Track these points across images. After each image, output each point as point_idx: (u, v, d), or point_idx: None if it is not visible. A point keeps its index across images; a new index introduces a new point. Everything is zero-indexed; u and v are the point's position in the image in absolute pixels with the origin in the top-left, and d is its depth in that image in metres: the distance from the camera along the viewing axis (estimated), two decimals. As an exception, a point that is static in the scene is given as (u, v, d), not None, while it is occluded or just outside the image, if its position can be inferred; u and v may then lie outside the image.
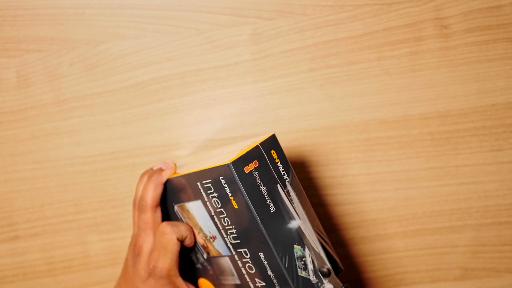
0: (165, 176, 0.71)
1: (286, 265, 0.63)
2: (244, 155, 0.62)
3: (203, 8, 0.81)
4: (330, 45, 0.82)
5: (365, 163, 0.83)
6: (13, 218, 0.84)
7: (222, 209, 0.65)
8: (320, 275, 0.64)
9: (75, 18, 0.82)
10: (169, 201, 0.72)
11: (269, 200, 0.63)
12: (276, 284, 0.64)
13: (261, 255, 0.63)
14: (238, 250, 0.66)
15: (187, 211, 0.70)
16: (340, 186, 0.84)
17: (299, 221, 0.64)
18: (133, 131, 0.83)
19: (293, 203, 0.64)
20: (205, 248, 0.70)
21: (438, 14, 0.81)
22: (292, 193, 0.64)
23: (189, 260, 0.75)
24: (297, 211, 0.64)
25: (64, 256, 0.84)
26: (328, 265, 0.63)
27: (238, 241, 0.65)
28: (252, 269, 0.65)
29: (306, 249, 0.64)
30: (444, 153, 0.83)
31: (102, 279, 0.85)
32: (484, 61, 0.82)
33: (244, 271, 0.66)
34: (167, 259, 0.68)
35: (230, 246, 0.67)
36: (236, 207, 0.63)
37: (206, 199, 0.66)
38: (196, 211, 0.68)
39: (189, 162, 0.73)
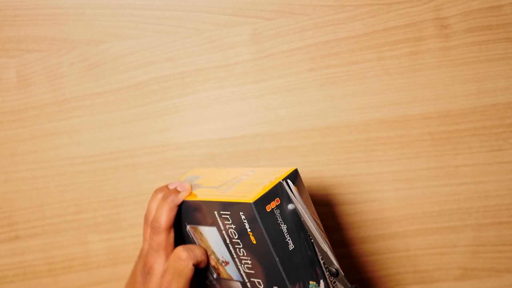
0: (180, 198, 0.70)
1: None
2: (266, 193, 0.61)
3: (203, 8, 0.81)
4: (330, 45, 0.82)
5: (365, 163, 0.83)
6: (13, 218, 0.84)
7: (238, 241, 0.64)
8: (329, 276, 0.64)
9: (75, 18, 0.82)
10: (182, 219, 0.72)
11: (288, 238, 0.62)
12: None
13: None
14: (252, 280, 0.66)
15: (200, 233, 0.69)
16: (340, 186, 0.84)
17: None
18: (133, 131, 0.83)
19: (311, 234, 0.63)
20: (216, 269, 0.70)
21: (438, 14, 0.81)
22: (310, 224, 0.63)
23: (198, 275, 0.75)
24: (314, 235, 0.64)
25: (64, 256, 0.84)
26: (336, 265, 0.63)
27: (253, 272, 0.65)
28: None
29: (322, 283, 0.63)
30: (444, 153, 0.83)
31: (102, 279, 0.85)
32: (484, 61, 0.82)
33: None
34: (180, 284, 0.67)
35: (243, 274, 0.66)
36: (254, 242, 0.62)
37: (222, 228, 0.65)
38: (210, 236, 0.68)
39: (206, 182, 0.72)
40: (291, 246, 0.62)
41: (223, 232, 0.65)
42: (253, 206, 0.60)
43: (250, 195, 0.62)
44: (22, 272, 0.85)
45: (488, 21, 0.81)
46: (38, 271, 0.85)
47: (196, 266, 0.69)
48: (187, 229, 0.71)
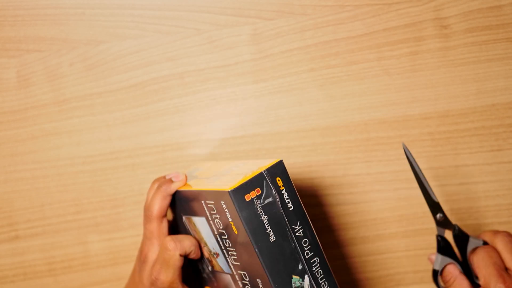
0: (173, 187, 0.70)
1: None
2: (245, 182, 0.61)
3: (203, 8, 0.81)
4: (330, 45, 0.82)
5: (365, 163, 0.83)
6: (13, 218, 0.84)
7: (223, 231, 0.64)
8: None
9: (75, 18, 0.82)
10: (178, 210, 0.72)
11: (269, 229, 0.61)
12: None
13: (259, 281, 0.63)
14: (239, 272, 0.65)
15: (194, 224, 0.70)
16: (340, 186, 0.84)
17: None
18: (133, 131, 0.83)
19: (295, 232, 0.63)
20: (210, 262, 0.70)
21: (438, 14, 0.81)
22: (296, 222, 0.63)
23: (196, 267, 0.75)
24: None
25: (64, 256, 0.84)
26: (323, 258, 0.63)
27: (239, 263, 0.65)
28: None
29: (306, 278, 0.63)
30: (444, 153, 0.83)
31: (102, 279, 0.85)
32: (484, 61, 0.82)
33: None
34: (169, 273, 0.68)
35: (231, 266, 0.66)
36: (236, 232, 0.62)
37: (210, 218, 0.65)
38: (202, 227, 0.68)
39: (202, 173, 0.72)
40: (272, 238, 0.61)
41: (211, 222, 0.65)
42: (231, 194, 0.60)
43: (230, 184, 0.62)
44: (22, 272, 0.85)
45: (488, 21, 0.81)
46: (38, 271, 0.85)
47: (187, 257, 0.69)
48: (183, 220, 0.71)
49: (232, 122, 0.83)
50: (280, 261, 0.62)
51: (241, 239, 0.62)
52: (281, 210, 0.62)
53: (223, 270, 0.68)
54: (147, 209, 0.70)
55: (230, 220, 0.62)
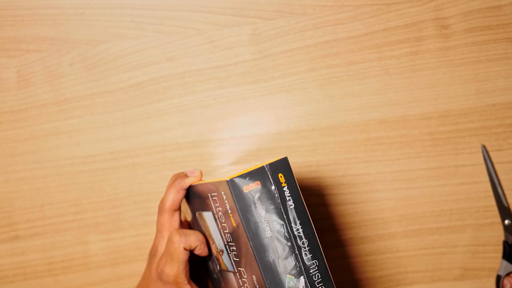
0: (187, 182, 0.70)
1: None
2: (245, 174, 0.61)
3: (203, 8, 0.81)
4: (330, 45, 0.82)
5: (365, 163, 0.83)
6: (13, 218, 0.84)
7: (225, 224, 0.64)
8: None
9: (75, 18, 0.82)
10: (192, 207, 0.72)
11: (265, 224, 0.61)
12: None
13: (254, 278, 0.62)
14: (238, 269, 0.65)
15: (204, 220, 0.69)
16: (340, 186, 0.84)
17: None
18: (133, 131, 0.83)
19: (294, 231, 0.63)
20: (218, 260, 0.70)
21: (438, 14, 0.81)
22: (296, 221, 0.63)
23: (208, 269, 0.74)
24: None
25: (64, 256, 0.84)
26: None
27: (238, 259, 0.64)
28: None
29: (301, 279, 0.62)
30: (444, 153, 0.83)
31: (102, 279, 0.85)
32: (484, 61, 0.82)
33: None
34: (174, 267, 0.68)
35: (233, 263, 0.66)
36: (234, 225, 0.62)
37: (215, 211, 0.65)
38: (210, 222, 0.68)
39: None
40: (268, 233, 0.61)
41: (216, 216, 0.65)
42: (229, 183, 0.60)
43: (230, 175, 0.62)
44: (22, 272, 0.85)
45: (488, 21, 0.81)
46: (38, 271, 0.85)
47: (192, 252, 0.69)
48: (196, 217, 0.71)
49: (232, 122, 0.83)
50: (274, 258, 0.61)
51: (238, 232, 0.62)
52: (280, 207, 0.61)
53: (227, 269, 0.68)
54: (160, 202, 0.71)
55: (229, 212, 0.62)
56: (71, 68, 0.82)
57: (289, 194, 0.62)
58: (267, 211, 0.61)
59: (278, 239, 0.61)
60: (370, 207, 0.84)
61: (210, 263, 0.73)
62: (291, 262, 0.62)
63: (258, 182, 0.61)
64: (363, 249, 0.85)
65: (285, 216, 0.61)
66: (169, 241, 0.68)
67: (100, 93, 0.83)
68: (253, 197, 0.61)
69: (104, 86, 0.83)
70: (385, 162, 0.83)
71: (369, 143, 0.83)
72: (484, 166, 0.82)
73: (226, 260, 0.67)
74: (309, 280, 0.62)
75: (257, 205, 0.61)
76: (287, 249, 0.61)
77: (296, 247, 0.62)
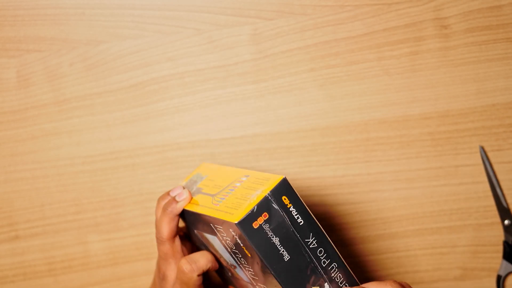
0: (179, 208, 0.69)
1: None
2: (251, 211, 0.60)
3: (203, 8, 0.81)
4: (330, 45, 0.82)
5: (365, 163, 0.83)
6: (13, 218, 0.84)
7: (236, 251, 0.64)
8: None
9: (75, 18, 0.82)
10: (189, 223, 0.71)
11: (282, 250, 0.61)
12: None
13: None
14: (259, 284, 0.65)
15: (206, 238, 0.69)
16: (340, 186, 0.84)
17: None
18: (133, 131, 0.83)
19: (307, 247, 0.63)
20: (230, 270, 0.70)
21: (438, 14, 0.81)
22: (308, 234, 0.62)
23: (218, 271, 0.74)
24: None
25: (64, 256, 0.84)
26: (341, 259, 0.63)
27: (257, 278, 0.64)
28: None
29: (326, 286, 0.63)
30: (444, 153, 0.83)
31: (102, 279, 0.85)
32: (484, 61, 0.82)
33: None
34: None
35: (250, 279, 0.66)
36: (249, 255, 0.62)
37: (221, 238, 0.65)
38: (214, 243, 0.67)
39: (206, 185, 0.71)
40: (286, 257, 0.61)
41: (223, 241, 0.65)
42: (238, 226, 0.60)
43: (236, 213, 0.61)
44: (22, 272, 0.85)
45: (488, 21, 0.81)
46: (38, 271, 0.85)
47: (207, 271, 0.69)
48: (195, 233, 0.71)
49: (232, 122, 0.83)
50: (297, 277, 0.61)
51: (255, 261, 0.62)
52: (292, 228, 0.61)
53: (242, 279, 0.68)
54: (157, 232, 0.69)
55: (242, 245, 0.62)
56: (71, 68, 0.82)
57: (296, 213, 0.61)
58: (280, 237, 0.61)
59: (296, 259, 0.61)
60: (370, 207, 0.84)
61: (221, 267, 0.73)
62: (313, 274, 0.62)
63: (266, 213, 0.60)
64: (363, 249, 0.85)
65: (298, 235, 0.61)
66: (181, 272, 0.67)
67: (100, 93, 0.83)
68: (264, 229, 0.60)
69: (104, 86, 0.83)
70: (385, 162, 0.83)
71: (369, 143, 0.83)
72: (483, 167, 0.82)
73: (240, 273, 0.67)
74: (333, 285, 0.63)
75: (269, 235, 0.61)
76: (306, 264, 0.62)
77: (314, 259, 0.62)
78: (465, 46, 0.82)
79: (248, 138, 0.83)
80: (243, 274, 0.67)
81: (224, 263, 0.69)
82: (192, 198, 0.70)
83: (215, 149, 0.83)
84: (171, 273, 0.70)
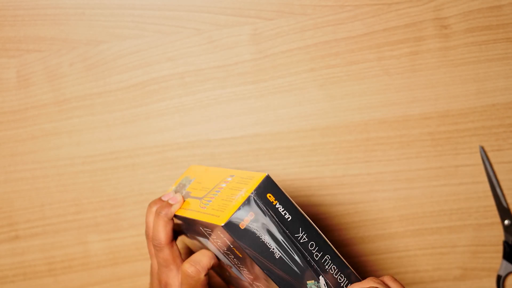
0: (173, 211, 0.68)
1: None
2: (236, 212, 0.60)
3: (203, 8, 0.82)
4: (330, 45, 0.82)
5: (365, 163, 0.83)
6: (13, 218, 0.84)
7: (229, 252, 0.64)
8: None
9: (75, 18, 0.82)
10: (182, 229, 0.71)
11: (272, 248, 0.61)
12: None
13: None
14: (255, 283, 0.65)
15: (200, 241, 0.69)
16: (340, 186, 0.84)
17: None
18: (133, 131, 0.83)
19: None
20: (227, 270, 0.70)
21: (438, 14, 0.81)
22: (298, 229, 0.62)
23: (219, 268, 0.74)
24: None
25: (64, 256, 0.84)
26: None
27: (252, 277, 0.64)
28: None
29: (321, 279, 0.63)
30: (444, 153, 0.83)
31: (102, 279, 0.85)
32: (484, 61, 0.82)
33: None
34: None
35: (246, 278, 0.66)
36: (241, 256, 0.62)
37: (213, 241, 0.65)
38: (208, 245, 0.67)
39: (194, 188, 0.70)
40: (277, 255, 0.61)
41: (215, 244, 0.65)
42: (224, 228, 0.59)
43: (222, 215, 0.60)
44: (22, 272, 0.85)
45: (488, 21, 0.81)
46: (38, 271, 0.85)
47: (211, 269, 0.68)
48: (188, 236, 0.71)
49: (232, 122, 0.83)
50: (291, 273, 0.61)
51: (246, 260, 0.62)
52: (280, 225, 0.61)
53: (240, 278, 0.68)
54: (154, 239, 0.68)
55: (232, 247, 0.62)
56: (71, 68, 0.82)
57: (283, 209, 0.61)
58: (269, 234, 0.61)
59: (288, 255, 0.61)
60: (370, 207, 0.84)
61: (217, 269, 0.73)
62: (306, 269, 0.62)
63: (252, 213, 0.60)
64: (363, 249, 0.85)
65: (287, 231, 0.61)
66: (186, 276, 0.66)
67: (100, 93, 0.83)
68: (252, 229, 0.60)
69: (104, 86, 0.83)
70: (385, 162, 0.83)
71: (369, 143, 0.83)
72: (483, 167, 0.82)
73: (236, 272, 0.67)
74: (328, 277, 0.62)
75: (258, 234, 0.60)
76: (298, 260, 0.62)
77: (306, 253, 0.62)
78: (465, 46, 0.82)
79: (248, 138, 0.83)
80: (239, 273, 0.67)
81: (221, 263, 0.69)
82: (184, 201, 0.70)
83: (215, 149, 0.83)
84: (174, 281, 0.69)
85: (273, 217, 0.61)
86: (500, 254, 0.84)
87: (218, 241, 0.63)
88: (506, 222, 0.78)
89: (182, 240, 0.79)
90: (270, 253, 0.61)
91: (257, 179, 0.62)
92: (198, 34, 0.82)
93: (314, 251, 0.62)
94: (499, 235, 0.84)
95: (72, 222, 0.84)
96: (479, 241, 0.84)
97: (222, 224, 0.59)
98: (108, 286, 0.85)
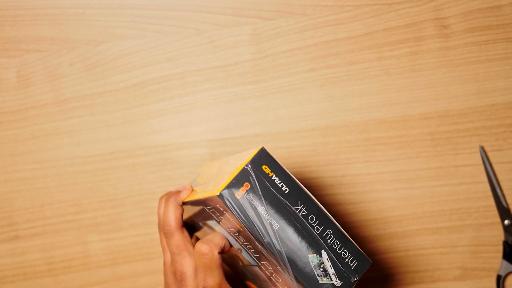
0: (182, 196, 0.69)
1: (305, 279, 0.61)
2: (231, 182, 0.60)
3: (203, 8, 0.82)
4: (330, 45, 0.82)
5: (365, 163, 0.83)
6: (13, 218, 0.84)
7: (233, 229, 0.64)
8: (346, 274, 0.62)
9: (75, 18, 0.82)
10: (193, 217, 0.72)
11: (270, 219, 0.61)
12: None
13: (279, 269, 0.62)
14: (262, 262, 0.65)
15: (210, 227, 0.69)
16: (340, 186, 0.84)
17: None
18: (133, 131, 0.83)
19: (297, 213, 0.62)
20: (238, 257, 0.70)
21: (438, 14, 0.81)
22: (296, 202, 0.62)
23: (231, 265, 0.74)
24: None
25: (64, 256, 0.84)
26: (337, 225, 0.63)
27: (258, 255, 0.64)
28: (278, 279, 0.64)
29: (323, 253, 0.62)
30: (444, 153, 0.83)
31: (102, 279, 0.85)
32: (484, 61, 0.82)
33: (274, 279, 0.65)
34: (215, 276, 0.66)
35: (254, 258, 0.66)
36: (241, 229, 0.62)
37: (218, 220, 0.65)
38: (217, 228, 0.68)
39: (203, 178, 0.71)
40: (275, 226, 0.61)
41: (221, 223, 0.65)
42: (220, 197, 0.60)
43: (217, 187, 0.61)
44: (22, 272, 0.85)
45: (488, 21, 0.81)
46: (38, 271, 0.85)
47: (222, 252, 0.68)
48: (200, 225, 0.71)
49: (232, 122, 0.83)
50: (291, 246, 0.61)
51: (247, 233, 0.62)
52: (278, 195, 0.61)
53: (250, 263, 0.68)
54: (164, 225, 0.69)
55: (232, 220, 0.62)
56: (71, 68, 0.82)
57: (279, 181, 0.61)
58: (266, 206, 0.61)
59: (287, 227, 0.61)
60: (370, 207, 0.84)
61: (232, 260, 0.73)
62: (307, 242, 0.61)
63: (247, 183, 0.61)
64: (363, 249, 0.85)
65: (285, 202, 0.61)
66: (200, 255, 0.66)
67: (100, 93, 0.83)
68: (248, 200, 0.60)
69: (104, 86, 0.83)
70: (385, 162, 0.83)
71: (369, 143, 0.83)
72: (483, 167, 0.82)
73: (246, 256, 0.67)
74: (331, 250, 0.62)
75: (254, 205, 0.60)
76: (298, 232, 0.61)
77: (306, 226, 0.61)
78: (465, 46, 0.82)
79: (248, 138, 0.83)
80: (248, 256, 0.66)
81: (234, 251, 0.69)
82: (192, 190, 0.71)
83: (215, 149, 0.83)
84: (188, 268, 0.68)
85: (270, 188, 0.61)
86: (500, 254, 0.84)
87: (221, 218, 0.63)
88: (506, 222, 0.78)
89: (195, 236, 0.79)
90: (268, 225, 0.61)
91: (253, 152, 0.62)
92: (198, 34, 0.82)
93: (314, 225, 0.62)
94: (499, 235, 0.84)
95: (72, 222, 0.84)
96: (479, 241, 0.84)
97: (217, 194, 0.60)
98: (108, 286, 0.85)
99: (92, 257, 0.84)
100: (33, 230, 0.84)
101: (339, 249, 0.62)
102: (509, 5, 0.81)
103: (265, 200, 0.61)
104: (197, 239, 0.76)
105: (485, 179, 0.83)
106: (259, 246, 0.62)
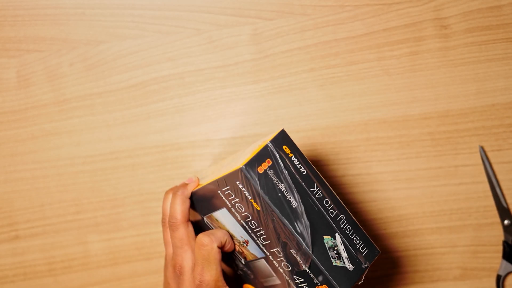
0: (189, 189, 0.70)
1: (319, 258, 0.62)
2: (254, 156, 0.61)
3: (203, 8, 0.82)
4: (330, 45, 0.82)
5: (365, 163, 0.83)
6: (13, 218, 0.84)
7: (246, 213, 0.64)
8: (357, 259, 0.63)
9: (75, 18, 0.82)
10: (198, 213, 0.72)
11: (289, 196, 0.62)
12: (314, 278, 0.63)
13: (293, 251, 0.63)
14: (271, 251, 0.65)
15: (216, 220, 0.69)
16: (340, 186, 0.84)
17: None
18: (133, 131, 0.83)
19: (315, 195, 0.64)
20: (241, 253, 0.70)
21: (438, 14, 0.81)
22: (314, 184, 0.63)
23: (230, 268, 0.74)
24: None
25: (64, 256, 0.84)
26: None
27: (269, 241, 0.65)
28: (288, 267, 0.65)
29: (337, 237, 0.63)
30: (444, 153, 0.83)
31: (102, 279, 0.85)
32: (484, 61, 0.82)
33: (281, 270, 0.66)
34: (212, 271, 0.66)
35: (263, 248, 0.66)
36: (259, 208, 0.62)
37: (230, 206, 0.65)
38: (224, 219, 0.68)
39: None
40: (294, 204, 0.62)
41: (232, 210, 0.65)
42: (243, 170, 0.61)
43: (240, 162, 0.62)
44: (22, 272, 0.85)
45: (488, 21, 0.81)
46: (38, 271, 0.85)
47: (223, 249, 0.68)
48: (205, 222, 0.71)
49: (232, 122, 0.83)
50: (308, 225, 0.62)
51: (265, 213, 0.62)
52: (296, 176, 0.63)
53: (256, 257, 0.68)
54: (170, 217, 0.69)
55: (250, 198, 0.62)
56: (71, 68, 0.82)
57: (298, 162, 0.63)
58: (287, 183, 0.62)
59: (305, 207, 0.62)
60: (370, 207, 0.84)
61: (231, 262, 0.73)
62: (322, 223, 0.63)
63: (269, 159, 0.62)
64: (363, 249, 0.85)
65: (303, 183, 0.63)
66: (200, 246, 0.66)
67: (100, 93, 0.83)
68: (269, 175, 0.62)
69: (104, 86, 0.83)
70: (385, 162, 0.83)
71: (369, 143, 0.83)
72: (483, 167, 0.82)
73: (253, 249, 0.67)
74: (344, 235, 0.63)
75: (275, 181, 0.62)
76: (315, 213, 0.63)
77: (322, 209, 0.63)
78: (465, 46, 0.82)
79: (248, 138, 0.83)
80: (256, 247, 0.67)
81: (237, 247, 0.69)
82: (199, 184, 0.71)
83: (215, 149, 0.83)
84: (188, 262, 0.68)
85: (290, 167, 0.63)
86: (500, 254, 0.84)
87: (236, 200, 0.64)
88: (506, 222, 0.79)
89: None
90: (287, 202, 0.62)
91: (274, 133, 0.64)
92: (198, 34, 0.82)
93: (329, 208, 0.63)
94: (499, 235, 0.84)
95: (72, 222, 0.84)
96: (479, 241, 0.84)
97: (241, 166, 0.61)
98: (108, 286, 0.85)
99: (92, 257, 0.84)
100: (33, 230, 0.84)
101: (351, 235, 0.64)
102: (509, 5, 0.81)
103: (285, 178, 0.62)
104: None
105: (485, 179, 0.83)
106: (277, 227, 0.62)
